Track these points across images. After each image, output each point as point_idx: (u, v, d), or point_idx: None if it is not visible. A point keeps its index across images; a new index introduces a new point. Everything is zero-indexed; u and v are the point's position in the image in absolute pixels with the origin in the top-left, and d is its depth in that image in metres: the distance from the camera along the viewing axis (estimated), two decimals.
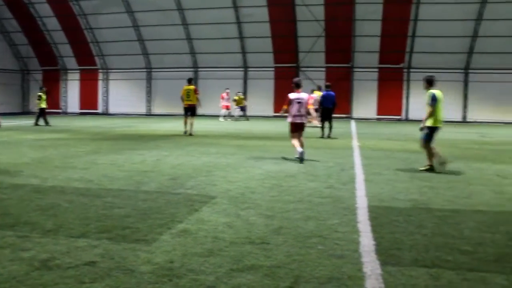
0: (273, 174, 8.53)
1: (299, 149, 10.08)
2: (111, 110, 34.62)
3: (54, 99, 36.10)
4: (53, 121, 25.04)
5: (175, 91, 32.41)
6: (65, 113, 35.50)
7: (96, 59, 34.49)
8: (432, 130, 9.20)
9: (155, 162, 9.95)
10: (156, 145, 13.22)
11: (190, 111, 17.04)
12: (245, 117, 27.86)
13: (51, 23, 33.20)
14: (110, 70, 34.63)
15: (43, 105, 22.59)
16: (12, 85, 35.80)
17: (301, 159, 9.96)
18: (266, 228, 5.09)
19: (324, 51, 30.37)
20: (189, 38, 31.50)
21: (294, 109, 10.25)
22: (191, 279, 3.68)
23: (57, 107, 36.00)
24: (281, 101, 30.49)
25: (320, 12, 28.61)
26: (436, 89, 9.70)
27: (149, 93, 33.91)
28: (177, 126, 17.74)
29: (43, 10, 32.39)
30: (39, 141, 14.71)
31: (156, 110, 33.64)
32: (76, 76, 35.65)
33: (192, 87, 17.15)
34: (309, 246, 4.49)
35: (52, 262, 4.06)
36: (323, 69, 30.76)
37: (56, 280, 3.68)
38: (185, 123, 17.02)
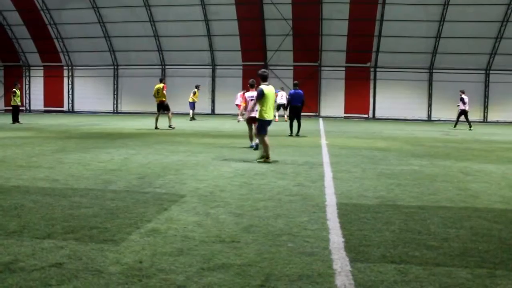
0: (242, 172, 8.53)
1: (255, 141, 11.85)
2: (77, 107, 33.93)
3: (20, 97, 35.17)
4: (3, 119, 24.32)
5: (142, 89, 32.09)
6: (29, 111, 34.57)
7: (61, 55, 33.71)
8: (261, 123, 10.08)
9: (123, 161, 9.81)
10: (123, 144, 13.03)
11: (162, 107, 18.63)
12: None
13: (13, 18, 32.23)
14: (75, 67, 33.91)
15: (18, 102, 21.95)
16: None
17: (257, 146, 11.59)
18: (236, 226, 5.09)
19: (292, 49, 30.55)
20: (156, 35, 31.16)
21: (249, 105, 11.82)
22: (161, 279, 3.64)
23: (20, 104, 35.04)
24: None
25: (287, 11, 28.77)
26: (267, 85, 10.28)
27: (116, 90, 33.41)
28: (145, 124, 17.59)
29: (4, 4, 31.40)
30: (1, 139, 14.27)
31: (123, 108, 33.16)
32: (40, 73, 34.76)
33: (161, 85, 18.71)
34: (279, 244, 4.50)
35: (16, 265, 3.94)
36: (291, 67, 30.95)
37: (20, 283, 3.57)
38: (157, 119, 18.50)
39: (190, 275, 3.73)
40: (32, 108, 34.84)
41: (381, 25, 28.81)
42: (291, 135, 16.65)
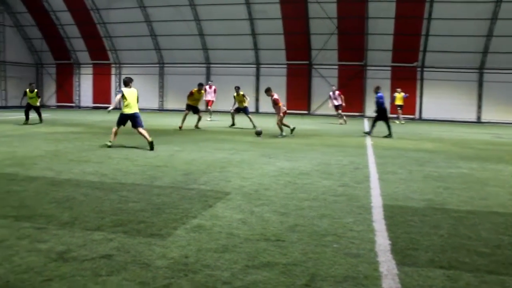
0: (287, 171, 8.51)
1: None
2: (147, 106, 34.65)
3: (67, 93, 36.36)
4: (67, 114, 25.16)
5: (187, 87, 32.51)
6: (79, 107, 35.71)
7: (109, 53, 34.63)
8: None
9: (168, 157, 9.98)
10: (169, 140, 13.25)
11: (194, 109, 18.17)
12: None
13: (64, 17, 33.37)
14: (122, 65, 34.75)
15: (30, 101, 19.81)
16: (27, 79, 36.03)
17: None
18: (281, 225, 5.08)
19: (337, 49, 30.20)
20: (201, 34, 31.51)
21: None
22: (206, 275, 3.68)
23: (71, 101, 36.23)
24: (293, 98, 30.21)
25: (332, 9, 28.45)
26: (129, 88, 12.05)
27: (161, 88, 34.00)
28: (190, 121, 17.75)
29: (56, 4, 32.55)
30: (53, 134, 14.81)
31: (168, 105, 33.71)
32: (89, 70, 35.83)
33: (202, 92, 19.00)
34: (324, 245, 4.47)
35: (69, 254, 4.09)
36: (336, 67, 30.61)
37: (73, 272, 3.71)
38: (184, 119, 17.71)
39: (235, 272, 3.75)
40: (81, 104, 35.96)
41: (428, 23, 28.05)
42: (368, 133, 16.61)
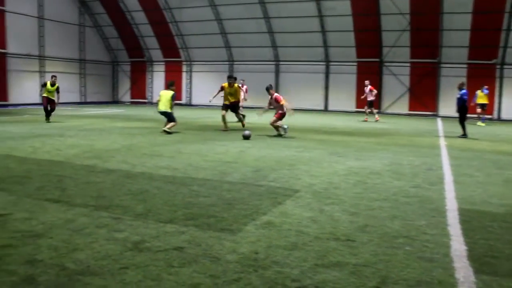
0: (356, 170, 8.36)
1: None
2: (194, 101, 35.62)
3: (140, 90, 37.79)
4: (140, 110, 26.09)
5: (256, 84, 32.84)
6: (151, 103, 37.01)
7: (180, 51, 35.60)
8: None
9: (238, 153, 10.11)
10: (238, 137, 13.41)
11: (232, 108, 16.25)
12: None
13: (139, 17, 34.69)
14: (193, 62, 35.62)
15: (47, 94, 18.43)
16: (104, 76, 37.96)
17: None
18: (351, 225, 5.00)
19: (409, 45, 29.25)
20: (270, 32, 31.63)
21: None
22: (275, 271, 3.69)
23: (144, 97, 37.62)
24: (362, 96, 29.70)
25: (405, 5, 27.57)
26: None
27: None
28: (260, 118, 17.79)
29: (132, 4, 33.90)
30: (128, 129, 15.46)
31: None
32: (162, 67, 37.03)
33: (236, 85, 16.54)
34: (396, 247, 4.34)
35: (143, 245, 4.25)
36: (408, 64, 29.68)
37: (147, 262, 3.85)
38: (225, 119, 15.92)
39: (305, 270, 3.73)
40: (154, 100, 37.21)
41: (510, 17, 26.48)
42: (463, 136, 15.61)
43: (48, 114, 18.09)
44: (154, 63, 37.26)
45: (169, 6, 33.09)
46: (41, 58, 31.77)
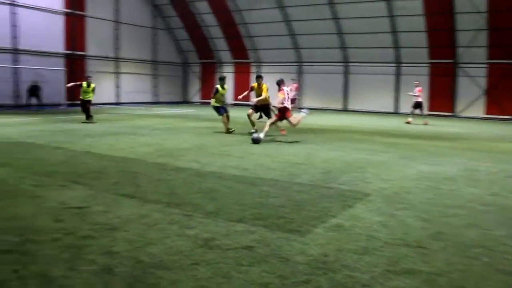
0: (428, 175, 8.07)
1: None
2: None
3: (210, 90, 38.50)
4: (210, 110, 26.57)
5: (325, 85, 32.65)
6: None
7: (249, 52, 35.98)
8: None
9: (307, 155, 10.06)
10: (307, 138, 13.34)
11: (264, 110, 15.11)
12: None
13: (209, 19, 35.43)
14: (261, 63, 35.89)
15: (86, 96, 17.99)
16: (175, 77, 39.12)
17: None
18: (423, 231, 4.84)
19: (486, 45, 27.82)
20: (339, 33, 31.24)
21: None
22: (345, 275, 3.65)
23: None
24: (436, 99, 28.50)
25: (482, 3, 26.24)
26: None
27: (299, 86, 34.45)
28: (327, 120, 17.71)
29: (202, 7, 34.67)
30: (198, 128, 15.85)
31: (306, 103, 33.99)
32: (231, 69, 37.60)
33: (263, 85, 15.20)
34: (472, 257, 4.15)
35: (213, 242, 4.34)
36: (485, 65, 28.21)
37: (217, 259, 3.93)
38: (252, 122, 14.72)
39: (375, 275, 3.66)
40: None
41: None
42: None
43: (88, 115, 17.68)
44: (223, 64, 37.91)
45: (238, 8, 33.55)
46: (117, 60, 33.29)
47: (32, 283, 3.44)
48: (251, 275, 3.63)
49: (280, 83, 13.17)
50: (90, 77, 18.97)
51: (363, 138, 13.99)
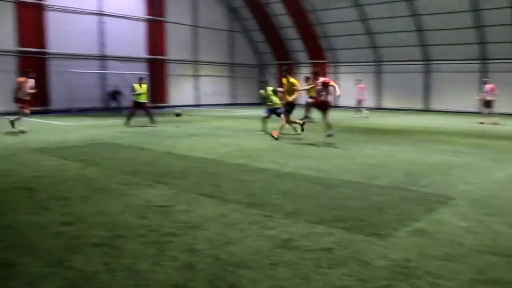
0: None
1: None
2: (341, 102, 35.31)
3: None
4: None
5: (405, 85, 31.63)
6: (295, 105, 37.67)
7: (325, 53, 35.67)
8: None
9: (386, 157, 9.80)
10: (387, 140, 12.96)
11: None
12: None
13: (284, 21, 35.52)
14: (338, 64, 35.46)
15: (140, 98, 17.23)
16: (251, 79, 39.63)
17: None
18: None
19: None
20: (418, 30, 30.13)
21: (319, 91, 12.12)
22: (429, 282, 3.53)
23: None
24: None
25: None
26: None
27: (377, 86, 33.64)
28: (407, 121, 17.13)
29: (277, 8, 34.83)
30: (275, 130, 15.87)
31: (385, 104, 33.15)
32: (307, 69, 37.47)
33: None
34: None
35: (292, 243, 4.36)
36: None
37: (295, 260, 3.94)
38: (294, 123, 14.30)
39: (461, 283, 3.52)
40: (298, 102, 37.84)
41: None
42: None
43: (132, 117, 17.16)
44: (300, 65, 37.88)
45: (314, 8, 33.37)
46: (195, 63, 34.32)
47: (120, 275, 3.65)
48: (330, 277, 3.61)
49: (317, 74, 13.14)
50: (142, 78, 17.93)
51: (445, 139, 13.38)
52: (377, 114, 26.07)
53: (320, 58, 36.07)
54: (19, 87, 14.74)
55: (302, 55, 37.25)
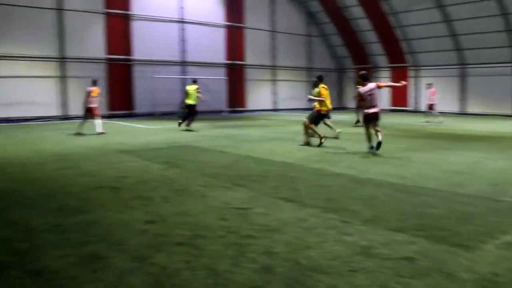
0: None
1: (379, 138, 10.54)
2: (421, 107, 34.12)
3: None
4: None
5: (492, 89, 29.88)
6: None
7: (406, 56, 34.59)
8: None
9: (472, 164, 9.27)
10: (472, 146, 12.27)
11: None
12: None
13: (363, 24, 34.87)
14: (419, 67, 34.24)
15: (191, 101, 17.13)
16: (330, 83, 39.26)
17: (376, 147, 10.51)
18: None
19: None
20: (509, 30, 28.38)
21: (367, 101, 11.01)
22: None
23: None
24: None
25: None
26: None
27: (462, 90, 32.09)
28: (497, 126, 16.09)
29: (356, 12, 34.27)
30: (352, 134, 15.64)
31: (470, 109, 31.55)
32: (387, 74, 36.55)
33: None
34: None
35: (372, 250, 4.27)
36: None
37: (375, 268, 3.86)
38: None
39: None
40: (382, 108, 36.98)
41: None
42: None
43: (185, 119, 17.19)
44: (379, 69, 37.03)
45: (394, 10, 32.48)
46: (273, 68, 34.61)
47: (201, 274, 3.76)
48: (411, 287, 3.50)
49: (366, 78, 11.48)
50: (195, 81, 17.84)
51: None
52: (461, 120, 24.84)
53: (400, 61, 35.07)
54: (89, 96, 15.95)
55: (381, 59, 36.39)
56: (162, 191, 6.85)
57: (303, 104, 36.66)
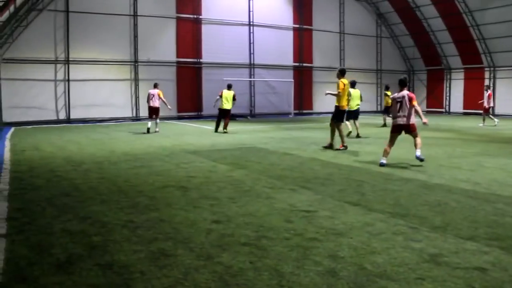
0: None
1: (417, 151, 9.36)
2: (498, 110, 32.41)
3: (437, 98, 36.58)
4: (437, 120, 25.32)
5: None
6: (448, 113, 35.45)
7: (482, 56, 32.96)
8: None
9: None
10: None
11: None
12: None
13: (436, 24, 33.58)
14: (497, 68, 32.51)
15: (225, 105, 17.44)
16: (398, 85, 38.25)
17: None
18: None
19: None
20: None
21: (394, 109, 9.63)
22: None
23: (441, 106, 36.30)
24: None
25: None
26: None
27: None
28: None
29: (428, 12, 33.08)
30: (424, 138, 15.12)
31: None
32: (460, 75, 35.04)
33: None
34: None
35: (441, 258, 4.13)
36: None
37: (444, 277, 3.73)
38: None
39: None
40: (451, 110, 35.53)
41: None
42: None
43: (218, 126, 17.45)
44: (452, 70, 35.56)
45: (469, 9, 31.05)
46: None
47: (265, 275, 3.80)
48: None
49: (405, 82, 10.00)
50: (230, 86, 18.02)
51: None
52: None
53: (475, 62, 33.49)
54: (151, 98, 17.25)
55: (454, 60, 34.90)
56: (228, 191, 6.98)
57: (373, 107, 36.00)
